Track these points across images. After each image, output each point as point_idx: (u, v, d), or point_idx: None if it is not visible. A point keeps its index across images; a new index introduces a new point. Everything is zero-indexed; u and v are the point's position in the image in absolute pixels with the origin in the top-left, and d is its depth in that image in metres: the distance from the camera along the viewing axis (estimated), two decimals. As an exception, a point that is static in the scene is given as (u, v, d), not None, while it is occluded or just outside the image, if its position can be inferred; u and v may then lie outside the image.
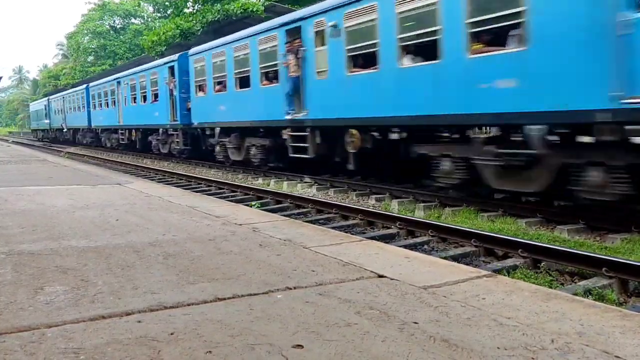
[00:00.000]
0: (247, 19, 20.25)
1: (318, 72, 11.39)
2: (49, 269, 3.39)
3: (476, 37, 7.90)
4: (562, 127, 6.99)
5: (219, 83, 15.73)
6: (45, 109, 42.95)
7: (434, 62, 8.59)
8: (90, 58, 53.67)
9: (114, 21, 54.20)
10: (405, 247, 5.47)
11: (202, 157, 18.41)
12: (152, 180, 13.89)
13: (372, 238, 5.54)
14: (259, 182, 13.30)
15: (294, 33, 12.16)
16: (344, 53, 10.51)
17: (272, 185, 12.59)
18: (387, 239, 6.56)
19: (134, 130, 24.24)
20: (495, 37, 7.80)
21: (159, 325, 2.42)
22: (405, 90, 9.21)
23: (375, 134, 10.39)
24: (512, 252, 5.63)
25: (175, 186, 11.81)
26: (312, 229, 4.94)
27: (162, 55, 25.45)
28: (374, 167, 11.63)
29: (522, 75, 7.22)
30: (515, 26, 7.29)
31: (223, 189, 11.92)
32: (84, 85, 32.11)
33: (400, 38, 9.14)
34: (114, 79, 25.96)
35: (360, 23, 10.06)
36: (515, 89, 7.28)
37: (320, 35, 11.27)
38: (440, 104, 8.51)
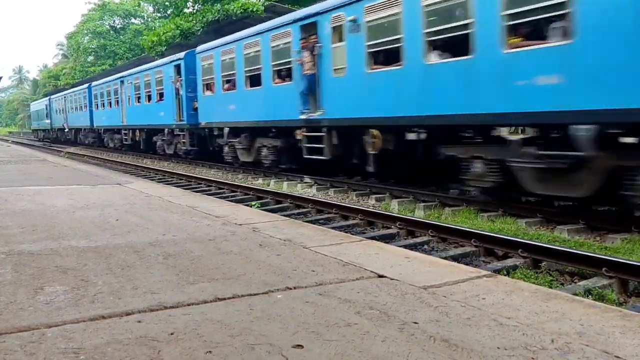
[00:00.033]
0: (247, 19, 20.28)
1: (335, 69, 10.92)
2: (49, 269, 3.39)
3: (513, 31, 7.39)
4: (615, 127, 6.43)
5: (228, 82, 15.32)
6: (47, 108, 42.60)
7: (464, 57, 8.09)
8: (90, 58, 53.69)
9: (114, 21, 54.20)
10: (405, 247, 5.47)
11: (209, 158, 18.03)
12: (152, 180, 13.89)
13: (372, 238, 5.54)
14: (259, 182, 13.30)
15: (309, 29, 11.65)
16: (364, 49, 10.01)
17: (272, 185, 12.59)
18: (387, 239, 6.56)
19: (138, 131, 23.93)
20: (534, 30, 7.31)
21: (159, 325, 2.42)
22: (432, 88, 8.73)
23: (398, 134, 9.95)
24: (512, 252, 5.63)
25: (175, 186, 11.81)
26: (312, 229, 4.94)
27: (163, 55, 25.43)
28: (394, 169, 11.12)
29: (567, 71, 6.72)
30: (559, 17, 6.84)
31: (223, 189, 11.92)
32: (86, 85, 31.84)
33: (427, 32, 8.64)
34: (117, 78, 25.66)
35: (382, 17, 9.58)
36: (559, 85, 6.80)
37: (338, 30, 10.78)
38: (471, 102, 8.04)
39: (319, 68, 11.33)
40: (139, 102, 22.82)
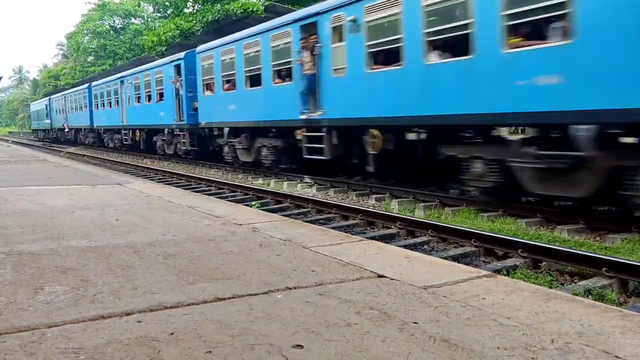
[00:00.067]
0: (247, 19, 20.26)
1: (335, 69, 10.87)
2: (49, 269, 3.39)
3: (513, 31, 7.36)
4: (615, 127, 6.41)
5: (228, 81, 15.26)
6: (47, 108, 42.45)
7: (464, 57, 8.06)
8: (90, 58, 53.72)
9: (114, 21, 54.23)
10: (405, 247, 5.47)
11: (209, 158, 17.99)
12: (152, 180, 13.89)
13: (372, 238, 5.54)
14: (259, 182, 13.30)
15: (309, 29, 11.59)
16: (364, 49, 9.97)
17: (272, 185, 12.59)
18: (387, 239, 6.56)
19: (138, 131, 23.82)
20: (534, 30, 7.30)
21: (159, 325, 2.42)
22: (432, 88, 8.68)
23: (398, 134, 9.89)
24: (512, 252, 5.63)
25: (175, 186, 11.81)
26: (312, 229, 4.94)
27: (163, 55, 25.41)
28: (394, 169, 11.10)
29: (567, 71, 6.71)
30: (559, 17, 6.83)
31: (223, 189, 11.92)
32: (86, 85, 31.74)
33: (427, 33, 8.61)
34: (117, 78, 25.56)
35: (382, 17, 9.54)
36: (559, 85, 6.79)
37: (338, 30, 10.73)
38: (471, 102, 8.01)
39: (319, 68, 11.28)
40: (139, 102, 22.72)
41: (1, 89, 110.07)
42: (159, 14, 49.33)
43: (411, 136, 9.51)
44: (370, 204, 9.72)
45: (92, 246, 4.04)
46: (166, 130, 20.31)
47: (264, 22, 14.79)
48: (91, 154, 26.20)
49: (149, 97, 21.49)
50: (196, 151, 18.52)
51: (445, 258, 4.91)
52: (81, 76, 48.65)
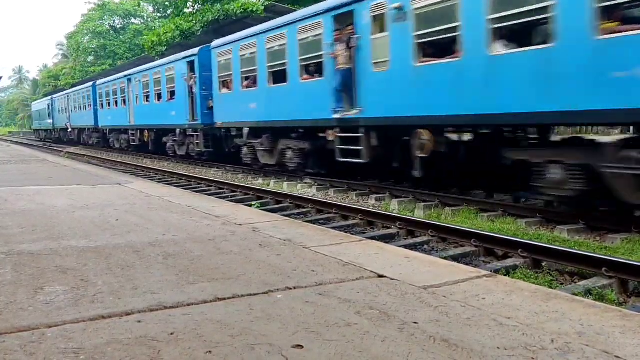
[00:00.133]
0: (247, 19, 20.27)
1: (375, 63, 9.76)
2: (49, 269, 3.39)
3: (607, 14, 6.31)
4: None
5: (248, 78, 14.15)
6: (49, 108, 41.51)
7: (543, 46, 7.02)
8: (90, 58, 53.76)
9: (114, 21, 54.27)
10: (405, 247, 5.47)
11: (224, 159, 16.97)
12: (152, 180, 13.90)
13: (372, 238, 5.54)
14: (259, 182, 13.30)
15: (344, 19, 10.51)
16: (411, 40, 8.85)
17: (272, 185, 12.59)
18: (387, 239, 6.57)
19: (146, 131, 22.71)
20: (633, 12, 6.36)
21: (159, 325, 2.42)
22: (498, 82, 7.61)
23: (453, 135, 8.88)
24: (512, 252, 5.63)
25: (175, 186, 11.81)
26: (312, 229, 4.94)
27: (163, 55, 25.39)
28: (442, 173, 9.88)
29: None
30: None
31: (223, 189, 11.92)
32: (90, 83, 30.65)
33: (492, 19, 7.48)
34: (125, 76, 24.45)
35: (434, 3, 8.46)
36: None
37: (379, 20, 9.62)
38: (551, 98, 6.95)
39: (355, 62, 10.21)
40: (147, 100, 21.66)
41: (1, 89, 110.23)
42: (159, 14, 49.39)
43: (467, 137, 8.64)
44: (370, 204, 9.72)
45: (92, 246, 4.04)
46: (178, 131, 19.25)
47: (265, 22, 14.61)
48: (91, 154, 26.19)
49: (159, 96, 20.45)
50: (210, 153, 17.50)
51: (445, 258, 4.91)
52: (81, 76, 48.67)
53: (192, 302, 2.75)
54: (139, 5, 53.02)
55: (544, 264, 5.33)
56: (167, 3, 44.04)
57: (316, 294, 2.89)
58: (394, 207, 9.08)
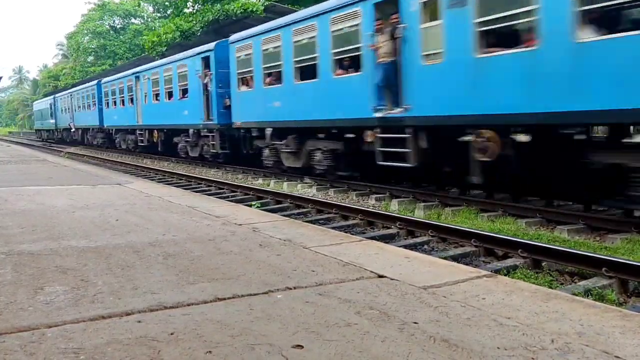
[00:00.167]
0: (247, 19, 20.28)
1: (426, 55, 8.71)
2: (49, 269, 3.39)
3: None
4: None
5: (270, 74, 13.12)
6: (51, 107, 40.35)
7: None
8: (90, 58, 53.82)
9: (114, 21, 54.32)
10: (405, 247, 5.48)
11: (243, 162, 15.94)
12: (152, 180, 13.90)
13: (372, 238, 5.54)
14: (259, 182, 13.30)
15: (386, 7, 9.52)
16: (471, 28, 7.80)
17: (272, 185, 12.59)
18: (387, 239, 6.57)
19: (156, 131, 21.45)
20: None
21: (159, 325, 2.42)
22: (587, 74, 6.59)
23: (521, 136, 7.98)
24: (512, 252, 5.63)
25: (175, 186, 11.82)
26: (312, 229, 4.94)
27: (163, 55, 25.38)
28: (504, 179, 8.86)
29: None
30: None
31: (223, 189, 11.93)
32: (95, 81, 29.26)
33: (580, 0, 6.48)
34: (132, 74, 23.32)
35: None
36: None
37: (430, 6, 8.60)
38: None
39: (401, 54, 9.16)
40: (157, 99, 20.49)
41: (1, 89, 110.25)
42: (159, 14, 49.43)
43: (539, 138, 7.81)
44: (370, 204, 9.72)
45: (92, 246, 4.04)
46: (191, 131, 18.01)
47: (265, 22, 14.42)
48: (91, 154, 26.18)
49: (170, 94, 19.28)
50: (227, 154, 16.41)
51: (445, 258, 4.91)
52: (81, 76, 48.69)
53: (192, 302, 2.75)
54: (139, 5, 53.07)
55: (544, 264, 5.33)
56: (167, 3, 44.08)
57: (316, 294, 2.89)
58: (394, 207, 9.08)
